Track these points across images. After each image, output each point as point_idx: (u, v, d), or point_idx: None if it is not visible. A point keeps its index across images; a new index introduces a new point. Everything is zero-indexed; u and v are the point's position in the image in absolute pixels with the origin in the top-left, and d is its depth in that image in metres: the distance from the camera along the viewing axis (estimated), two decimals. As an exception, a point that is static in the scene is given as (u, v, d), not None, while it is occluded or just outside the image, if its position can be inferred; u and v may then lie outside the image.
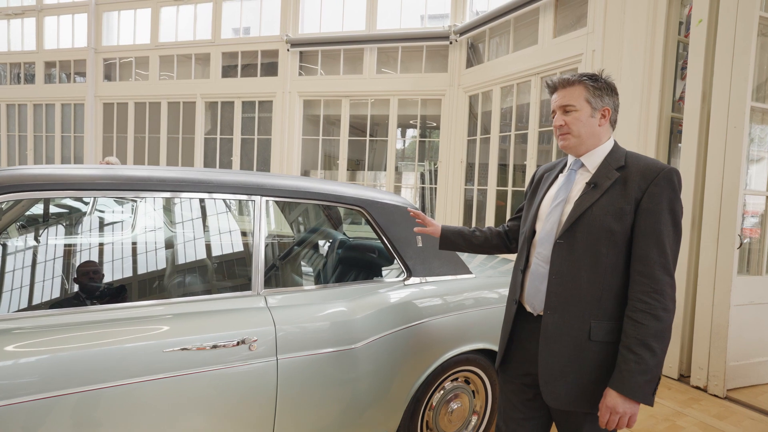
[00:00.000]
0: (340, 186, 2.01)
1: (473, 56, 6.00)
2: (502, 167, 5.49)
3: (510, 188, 5.31)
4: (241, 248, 1.82)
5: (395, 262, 2.10)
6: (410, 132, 6.62)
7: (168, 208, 1.83)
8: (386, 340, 1.88)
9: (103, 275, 1.62)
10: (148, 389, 1.38)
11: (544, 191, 1.48)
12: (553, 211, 1.38)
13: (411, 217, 2.18)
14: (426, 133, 6.67)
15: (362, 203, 2.04)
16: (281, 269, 2.07)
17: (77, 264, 1.55)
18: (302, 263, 2.08)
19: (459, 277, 2.26)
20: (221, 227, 1.85)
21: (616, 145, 1.38)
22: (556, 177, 1.47)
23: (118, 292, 1.60)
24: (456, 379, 2.21)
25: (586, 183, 1.33)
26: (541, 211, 1.44)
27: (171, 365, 1.41)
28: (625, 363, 1.19)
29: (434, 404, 2.10)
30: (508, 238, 1.70)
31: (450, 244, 1.74)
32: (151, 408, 1.38)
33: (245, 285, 1.69)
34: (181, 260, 1.80)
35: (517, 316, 1.47)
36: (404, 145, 6.68)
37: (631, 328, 1.21)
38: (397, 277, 2.10)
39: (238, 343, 1.51)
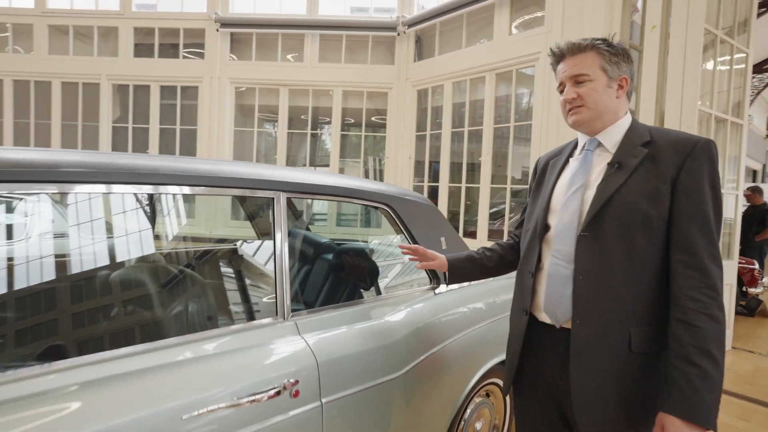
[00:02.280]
0: (363, 182, 1.67)
1: (422, 49, 5.86)
2: (455, 165, 5.43)
3: (464, 185, 5.26)
4: (262, 261, 1.39)
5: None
6: (355, 126, 6.29)
7: (152, 206, 1.34)
8: (429, 361, 1.59)
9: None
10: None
11: (554, 179, 1.26)
12: (570, 199, 1.16)
13: (433, 216, 1.92)
14: (372, 127, 6.40)
15: (388, 200, 1.72)
16: (301, 284, 1.66)
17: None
18: (316, 274, 1.70)
19: (480, 280, 2.04)
20: (229, 235, 1.41)
21: (635, 119, 1.20)
22: (566, 162, 1.27)
23: (90, 339, 1.09)
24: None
25: (608, 164, 1.13)
26: (554, 202, 1.22)
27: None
28: (686, 379, 0.95)
29: (464, 421, 1.87)
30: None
31: (461, 274, 1.46)
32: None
33: (269, 309, 1.29)
34: (178, 284, 1.32)
35: (531, 330, 1.24)
36: (348, 139, 6.34)
37: (685, 334, 0.98)
38: (426, 285, 1.82)
39: (278, 392, 1.11)
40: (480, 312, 1.88)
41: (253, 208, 1.47)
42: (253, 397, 1.06)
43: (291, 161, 6.32)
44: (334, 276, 1.63)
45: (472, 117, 5.20)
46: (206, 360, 1.07)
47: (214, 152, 5.96)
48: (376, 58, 6.03)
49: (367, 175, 6.46)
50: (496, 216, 5.14)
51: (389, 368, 1.42)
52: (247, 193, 1.26)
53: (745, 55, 4.09)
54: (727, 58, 3.95)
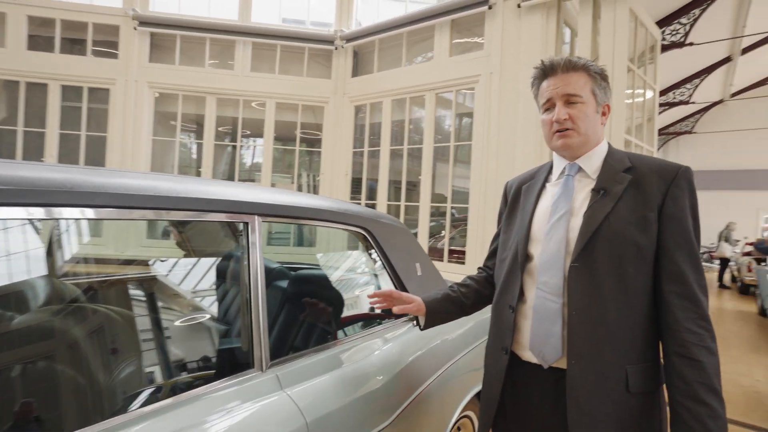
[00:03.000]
0: (342, 203, 1.49)
1: (360, 65, 5.79)
2: (394, 183, 5.38)
3: (403, 203, 5.22)
4: (229, 303, 1.13)
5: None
6: (289, 140, 6.01)
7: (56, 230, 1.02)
8: (415, 405, 1.42)
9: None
10: None
11: (533, 205, 1.18)
12: (554, 227, 1.09)
13: (407, 240, 1.78)
14: (308, 142, 6.15)
15: (365, 223, 1.55)
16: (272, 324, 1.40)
17: None
18: (285, 312, 1.45)
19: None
20: (193, 272, 1.13)
21: (610, 145, 1.17)
22: (542, 187, 1.20)
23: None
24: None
25: (592, 190, 1.08)
26: (534, 230, 1.15)
27: None
28: (697, 420, 0.90)
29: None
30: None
31: (439, 316, 1.32)
32: None
33: (244, 362, 1.04)
34: (140, 331, 1.02)
35: (512, 370, 1.14)
36: (281, 153, 6.03)
37: (689, 371, 0.94)
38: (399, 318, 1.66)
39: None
40: (453, 346, 1.75)
41: (216, 236, 1.22)
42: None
43: (207, 175, 5.83)
44: (300, 311, 1.41)
45: (412, 135, 5.20)
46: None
47: (128, 162, 5.30)
48: (312, 71, 5.84)
49: (300, 191, 6.18)
50: (434, 233, 5.14)
51: (378, 419, 1.24)
52: (221, 217, 1.02)
53: (652, 91, 4.57)
54: (640, 91, 4.37)
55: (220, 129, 5.75)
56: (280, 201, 1.17)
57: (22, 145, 5.30)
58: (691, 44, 7.37)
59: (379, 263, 1.61)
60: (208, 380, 0.96)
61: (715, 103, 12.57)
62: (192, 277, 1.23)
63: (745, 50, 9.28)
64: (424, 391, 1.47)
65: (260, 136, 5.74)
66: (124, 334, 1.01)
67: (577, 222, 1.06)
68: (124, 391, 0.90)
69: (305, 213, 1.26)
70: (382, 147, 5.33)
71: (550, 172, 1.21)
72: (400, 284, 1.63)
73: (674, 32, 7.49)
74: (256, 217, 1.12)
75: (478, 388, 1.80)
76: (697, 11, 7.12)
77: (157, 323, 1.13)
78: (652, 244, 1.01)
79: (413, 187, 5.21)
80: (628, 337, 1.00)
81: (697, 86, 10.58)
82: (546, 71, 1.13)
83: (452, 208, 4.84)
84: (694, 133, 12.92)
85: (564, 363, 1.03)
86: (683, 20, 7.28)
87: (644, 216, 1.01)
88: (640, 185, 1.04)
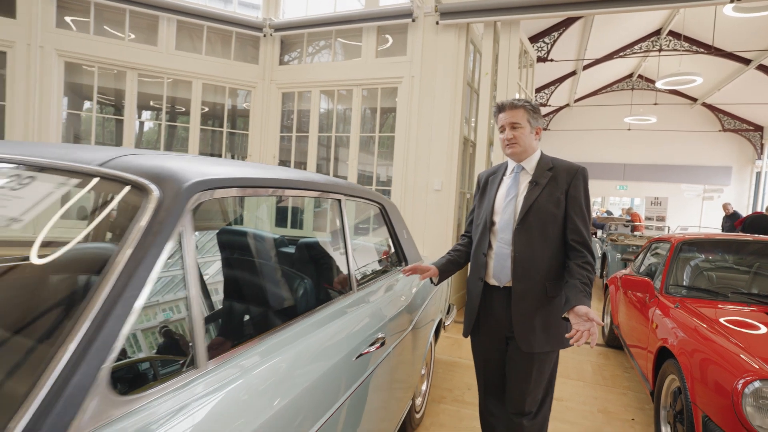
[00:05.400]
0: (361, 186, 2.12)
1: (288, 53, 6.10)
2: (322, 167, 5.90)
3: (330, 185, 5.77)
4: (340, 251, 1.72)
5: (397, 254, 2.36)
6: (214, 121, 6.09)
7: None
8: (424, 312, 2.17)
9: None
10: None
11: (495, 190, 1.84)
12: (507, 205, 1.75)
13: (398, 214, 2.47)
14: (235, 124, 6.28)
15: (380, 200, 2.21)
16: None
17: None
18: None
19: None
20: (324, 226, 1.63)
21: (542, 153, 1.83)
22: (501, 179, 1.86)
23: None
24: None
25: (529, 182, 1.74)
26: (497, 206, 1.80)
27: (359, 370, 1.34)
28: (584, 292, 1.60)
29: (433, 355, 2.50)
30: None
31: (446, 275, 1.98)
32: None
33: (347, 287, 1.67)
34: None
35: (484, 290, 1.82)
36: (210, 134, 6.08)
37: (579, 275, 1.64)
38: (399, 266, 2.36)
39: (382, 344, 1.55)
40: (424, 288, 2.53)
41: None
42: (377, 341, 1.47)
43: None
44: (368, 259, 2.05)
45: (340, 124, 5.78)
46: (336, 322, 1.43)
47: (34, 134, 4.92)
48: (240, 55, 5.98)
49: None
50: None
51: (411, 319, 1.95)
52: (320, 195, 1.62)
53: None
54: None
55: (140, 106, 5.59)
56: (339, 183, 1.78)
57: None
58: (552, 60, 9.14)
59: (386, 228, 2.28)
60: (339, 294, 1.57)
61: (563, 107, 15.40)
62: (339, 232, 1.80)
63: (586, 67, 11.68)
64: (420, 314, 2.22)
65: (185, 114, 5.74)
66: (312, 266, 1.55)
67: (520, 201, 1.74)
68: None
69: (354, 192, 1.87)
70: (310, 134, 5.80)
71: (506, 169, 1.90)
72: (399, 246, 2.33)
73: (539, 49, 9.19)
74: (342, 196, 1.72)
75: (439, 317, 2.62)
76: (556, 34, 8.88)
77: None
78: (562, 213, 1.70)
79: (340, 175, 5.80)
80: (546, 267, 1.70)
81: (552, 92, 12.91)
82: (501, 108, 1.79)
83: (377, 191, 5.58)
84: (549, 129, 15.66)
85: (510, 283, 1.74)
86: (546, 40, 9.00)
87: (558, 197, 1.70)
88: (557, 178, 1.72)
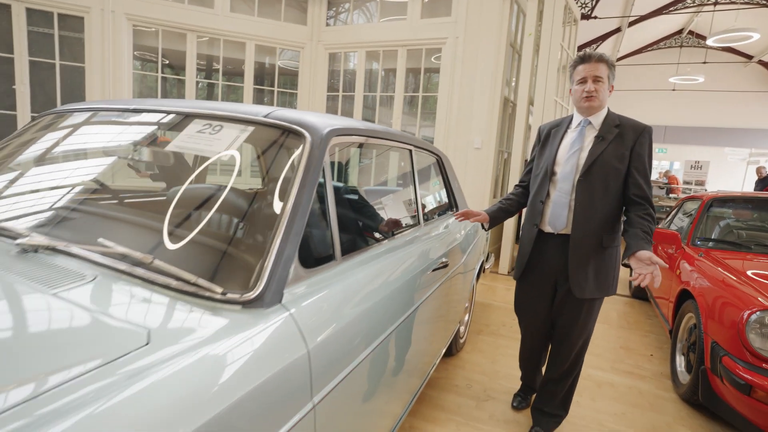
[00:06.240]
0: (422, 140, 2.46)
1: (336, 14, 6.31)
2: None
3: (374, 143, 6.11)
4: (411, 195, 2.10)
5: (450, 200, 2.72)
6: (263, 80, 6.44)
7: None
8: (472, 252, 2.57)
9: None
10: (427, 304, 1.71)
11: (558, 142, 1.86)
12: (570, 156, 1.79)
13: (450, 166, 2.81)
14: (286, 83, 6.62)
15: (438, 152, 2.55)
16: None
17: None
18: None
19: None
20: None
21: (609, 109, 1.83)
22: (565, 132, 1.88)
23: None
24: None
25: (595, 137, 1.76)
26: (559, 157, 1.84)
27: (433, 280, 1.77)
28: (646, 240, 1.67)
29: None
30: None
31: (496, 221, 2.05)
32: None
33: (416, 221, 2.05)
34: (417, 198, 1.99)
35: (538, 236, 1.90)
36: (263, 94, 6.46)
37: (640, 225, 1.70)
38: (451, 211, 2.73)
39: (445, 265, 1.95)
40: (473, 229, 2.90)
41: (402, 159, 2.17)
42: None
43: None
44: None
45: (385, 84, 6.03)
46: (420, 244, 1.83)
47: (109, 93, 5.43)
48: (289, 16, 6.24)
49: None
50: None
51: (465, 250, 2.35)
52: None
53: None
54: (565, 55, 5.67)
55: (224, 67, 5.98)
56: (410, 136, 2.11)
57: (-10, 71, 5.13)
58: (595, 17, 8.92)
59: (441, 177, 2.63)
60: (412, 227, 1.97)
61: (605, 66, 14.85)
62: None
63: (631, 24, 11.24)
64: (471, 249, 2.60)
65: (239, 75, 6.12)
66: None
67: (584, 155, 1.76)
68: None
69: (420, 144, 2.22)
70: (356, 93, 6.10)
71: (570, 122, 1.89)
72: (452, 194, 2.68)
73: (583, 5, 8.96)
74: (412, 147, 2.08)
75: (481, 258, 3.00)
76: (601, -10, 8.60)
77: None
78: (624, 168, 1.72)
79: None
80: (604, 218, 1.74)
81: (595, 50, 12.50)
82: (584, 58, 1.74)
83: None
84: (588, 90, 15.27)
85: (568, 231, 1.80)
86: (591, -4, 8.74)
87: (623, 153, 1.71)
88: (623, 135, 1.73)
